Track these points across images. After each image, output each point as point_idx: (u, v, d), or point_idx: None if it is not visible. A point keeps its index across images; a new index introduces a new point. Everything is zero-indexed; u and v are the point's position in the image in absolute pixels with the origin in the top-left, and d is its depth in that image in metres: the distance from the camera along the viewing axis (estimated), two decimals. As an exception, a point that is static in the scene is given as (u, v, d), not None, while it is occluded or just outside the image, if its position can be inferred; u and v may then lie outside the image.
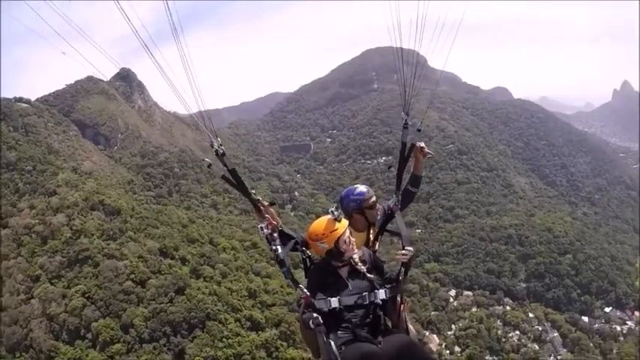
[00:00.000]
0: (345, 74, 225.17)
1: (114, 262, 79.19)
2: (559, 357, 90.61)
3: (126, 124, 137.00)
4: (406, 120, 6.20)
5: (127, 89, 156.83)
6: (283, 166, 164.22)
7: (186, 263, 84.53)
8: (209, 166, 5.66)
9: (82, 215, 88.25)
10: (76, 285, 75.69)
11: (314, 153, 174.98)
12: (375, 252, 6.20)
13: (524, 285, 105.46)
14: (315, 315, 5.24)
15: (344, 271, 5.67)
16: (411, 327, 6.06)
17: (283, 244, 5.76)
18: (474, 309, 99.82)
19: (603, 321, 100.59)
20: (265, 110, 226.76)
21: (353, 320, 5.45)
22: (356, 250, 5.74)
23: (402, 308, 5.91)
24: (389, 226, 6.70)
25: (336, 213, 5.64)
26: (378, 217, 6.62)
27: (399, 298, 5.87)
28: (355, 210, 6.46)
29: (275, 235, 5.73)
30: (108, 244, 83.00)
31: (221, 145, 5.50)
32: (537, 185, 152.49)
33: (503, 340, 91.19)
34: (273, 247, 5.63)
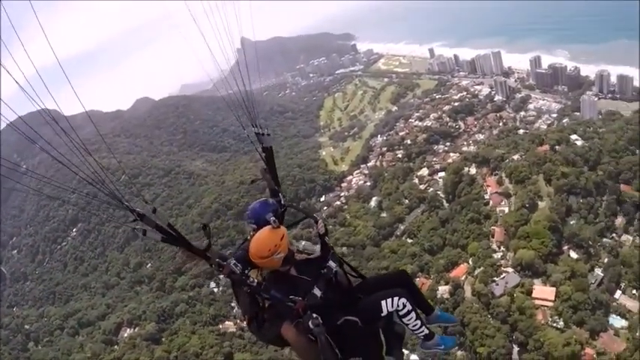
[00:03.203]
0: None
1: None
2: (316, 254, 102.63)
3: None
4: (262, 132, 7.17)
5: None
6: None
7: None
8: (144, 233, 5.30)
9: None
10: None
11: (11, 273, 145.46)
12: None
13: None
14: (314, 315, 5.61)
15: (293, 271, 6.07)
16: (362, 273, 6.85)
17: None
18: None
19: (326, 207, 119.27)
20: None
21: (332, 297, 5.94)
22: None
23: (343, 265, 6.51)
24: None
25: (277, 222, 5.88)
26: None
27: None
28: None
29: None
30: None
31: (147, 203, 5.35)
32: (213, 158, 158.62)
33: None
34: (249, 281, 5.78)
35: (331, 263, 6.18)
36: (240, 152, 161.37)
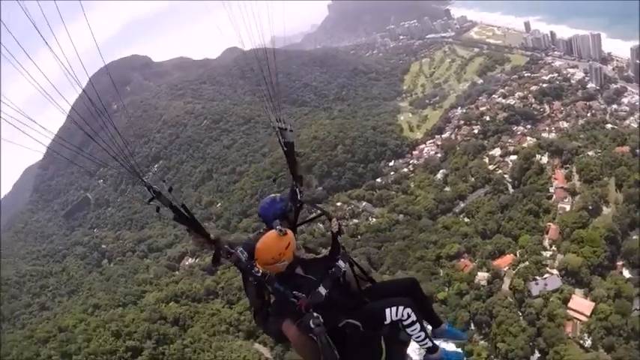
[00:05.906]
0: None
1: None
2: (374, 216, 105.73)
3: None
4: (284, 126, 7.22)
5: None
6: (79, 233, 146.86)
7: None
8: (157, 210, 5.55)
9: None
10: None
11: (96, 200, 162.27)
12: None
13: (320, 188, 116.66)
14: (315, 314, 5.58)
15: (300, 271, 6.04)
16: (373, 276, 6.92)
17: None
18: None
19: (392, 173, 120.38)
20: (27, 191, 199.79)
21: (337, 298, 5.92)
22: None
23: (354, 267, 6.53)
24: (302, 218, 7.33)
25: (283, 230, 5.86)
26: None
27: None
28: (282, 213, 6.77)
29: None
30: None
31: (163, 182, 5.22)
32: (292, 111, 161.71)
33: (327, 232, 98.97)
34: (254, 270, 5.80)
35: (340, 263, 6.10)
36: (319, 108, 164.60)
